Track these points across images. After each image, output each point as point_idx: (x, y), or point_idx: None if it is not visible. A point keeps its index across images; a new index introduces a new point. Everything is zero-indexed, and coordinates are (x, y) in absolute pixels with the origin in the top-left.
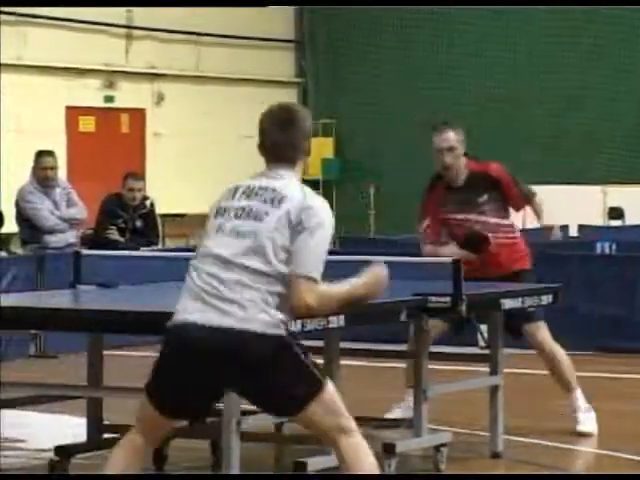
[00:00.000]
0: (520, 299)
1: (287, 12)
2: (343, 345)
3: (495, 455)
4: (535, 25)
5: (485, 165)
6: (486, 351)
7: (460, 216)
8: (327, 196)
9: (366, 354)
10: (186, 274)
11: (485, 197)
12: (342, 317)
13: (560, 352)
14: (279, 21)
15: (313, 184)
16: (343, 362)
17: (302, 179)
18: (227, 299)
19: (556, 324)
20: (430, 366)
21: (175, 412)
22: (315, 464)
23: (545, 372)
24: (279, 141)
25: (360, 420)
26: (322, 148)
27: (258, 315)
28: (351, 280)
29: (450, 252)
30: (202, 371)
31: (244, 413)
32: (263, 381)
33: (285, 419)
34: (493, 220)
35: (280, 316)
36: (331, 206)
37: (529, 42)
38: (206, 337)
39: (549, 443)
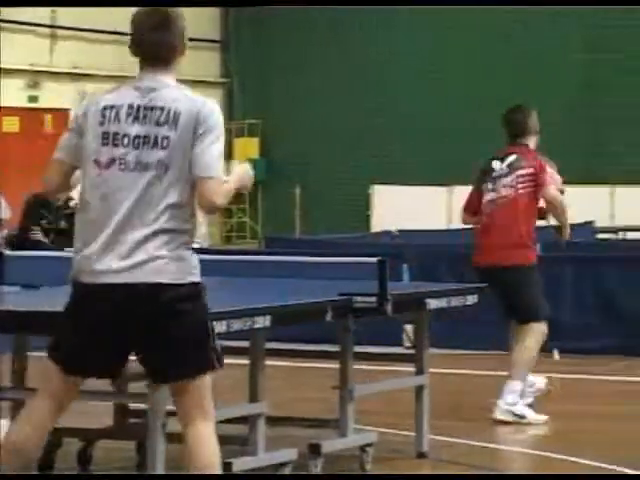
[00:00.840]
0: (445, 299)
1: (213, 12)
2: (268, 345)
3: (421, 455)
4: (467, 29)
5: None
6: (412, 351)
7: None
8: (253, 196)
9: (291, 354)
10: (83, 210)
11: None
12: (268, 317)
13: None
14: (205, 21)
15: None
16: (268, 362)
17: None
18: (141, 248)
19: (484, 326)
20: (356, 366)
21: (87, 369)
22: (240, 464)
23: (471, 372)
24: (155, 41)
25: (286, 420)
26: (248, 148)
27: (173, 263)
28: (230, 176)
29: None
30: (112, 323)
31: (170, 414)
32: (171, 332)
33: None
34: None
35: (194, 262)
36: (256, 206)
37: (458, 46)
38: (118, 289)
39: (474, 443)
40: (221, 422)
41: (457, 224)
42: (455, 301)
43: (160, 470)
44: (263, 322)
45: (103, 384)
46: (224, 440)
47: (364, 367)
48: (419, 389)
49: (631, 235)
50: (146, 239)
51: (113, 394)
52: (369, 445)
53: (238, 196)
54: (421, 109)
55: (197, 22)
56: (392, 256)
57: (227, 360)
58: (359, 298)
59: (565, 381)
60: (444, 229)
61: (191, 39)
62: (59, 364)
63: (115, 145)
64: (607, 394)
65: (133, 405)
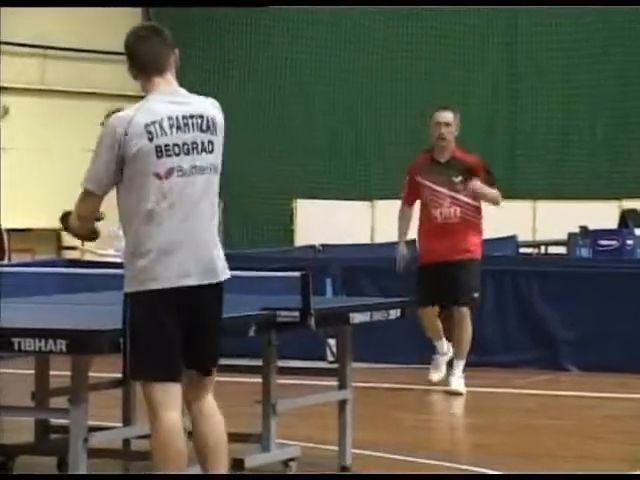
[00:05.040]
0: (369, 313)
1: (134, 24)
2: None
3: (344, 469)
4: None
5: (466, 154)
6: (335, 365)
7: (434, 186)
8: None
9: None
10: (154, 221)
11: (460, 178)
12: None
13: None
14: (125, 33)
15: None
16: None
17: None
18: (208, 244)
19: (407, 340)
20: (280, 381)
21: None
22: None
23: (393, 385)
24: (155, 51)
25: None
26: None
27: (222, 261)
28: None
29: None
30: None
31: (91, 429)
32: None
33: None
34: (464, 198)
35: None
36: None
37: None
38: (200, 288)
39: (397, 457)
40: (141, 437)
41: (380, 239)
42: (378, 315)
43: None
44: None
45: (24, 400)
46: (146, 455)
47: (287, 381)
48: (342, 403)
49: (552, 249)
50: (213, 240)
51: (34, 409)
52: (292, 459)
53: None
54: (346, 124)
55: (117, 34)
56: (315, 270)
57: None
58: (282, 312)
59: (490, 395)
60: (367, 243)
61: (111, 52)
62: (170, 379)
63: (169, 156)
64: (528, 407)
65: (54, 421)
